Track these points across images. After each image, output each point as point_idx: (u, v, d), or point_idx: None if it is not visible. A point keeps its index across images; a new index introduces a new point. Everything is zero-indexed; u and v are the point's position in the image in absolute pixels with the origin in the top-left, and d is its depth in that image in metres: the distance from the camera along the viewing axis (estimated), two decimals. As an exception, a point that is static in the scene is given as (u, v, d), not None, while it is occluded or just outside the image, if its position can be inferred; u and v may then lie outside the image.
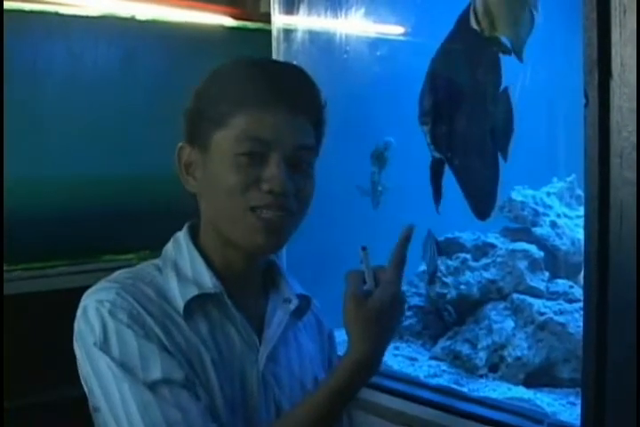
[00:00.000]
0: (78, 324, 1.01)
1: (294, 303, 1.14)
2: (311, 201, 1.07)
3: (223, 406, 1.01)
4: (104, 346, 0.97)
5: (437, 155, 1.43)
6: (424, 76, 1.46)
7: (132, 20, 1.83)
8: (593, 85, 0.92)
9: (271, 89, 1.01)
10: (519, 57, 1.34)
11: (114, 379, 0.96)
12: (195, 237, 1.11)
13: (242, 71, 1.05)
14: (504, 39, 1.34)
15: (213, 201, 1.05)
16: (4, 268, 1.62)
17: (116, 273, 1.08)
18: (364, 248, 1.01)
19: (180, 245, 1.10)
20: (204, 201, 1.08)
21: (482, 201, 1.45)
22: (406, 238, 1.02)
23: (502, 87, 1.40)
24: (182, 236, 1.11)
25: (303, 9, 1.75)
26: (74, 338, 1.01)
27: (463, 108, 1.42)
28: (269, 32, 1.75)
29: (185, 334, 1.01)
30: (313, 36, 1.75)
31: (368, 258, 1.00)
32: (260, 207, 1.00)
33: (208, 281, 1.04)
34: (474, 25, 1.33)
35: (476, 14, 1.32)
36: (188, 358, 1.00)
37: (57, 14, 1.71)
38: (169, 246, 1.12)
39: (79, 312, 1.01)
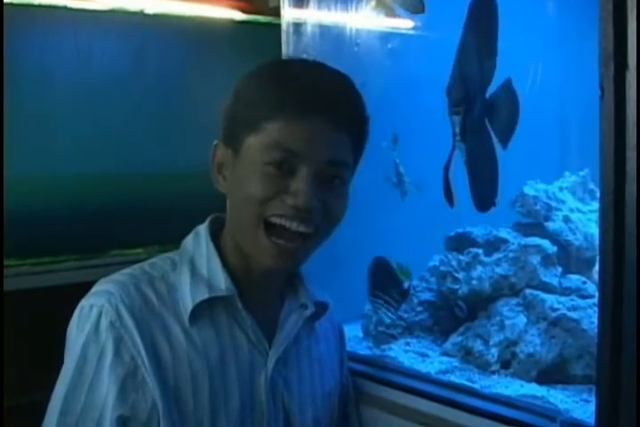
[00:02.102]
0: (72, 321, 1.00)
1: (310, 310, 1.12)
2: (340, 220, 1.02)
3: (212, 419, 0.99)
4: (76, 352, 0.97)
5: (462, 145, 1.41)
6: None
7: (140, 14, 1.82)
8: (608, 77, 0.90)
9: (309, 98, 0.95)
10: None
11: (61, 385, 0.97)
12: (217, 232, 1.08)
13: (281, 75, 0.99)
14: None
15: (234, 205, 1.02)
16: (13, 263, 1.62)
17: (130, 268, 1.05)
18: None
19: (199, 240, 1.07)
20: (229, 203, 1.05)
21: (488, 191, 1.44)
22: None
23: (506, 77, 1.39)
24: (203, 230, 1.08)
25: (313, 2, 1.73)
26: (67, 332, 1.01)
27: (483, 98, 1.40)
28: (279, 26, 1.74)
29: (176, 350, 0.98)
30: (323, 29, 1.73)
31: None
32: (279, 216, 0.96)
33: (222, 283, 1.01)
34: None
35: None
36: (175, 374, 0.97)
37: (65, 8, 1.70)
38: (188, 240, 1.09)
39: (76, 310, 1.00)
